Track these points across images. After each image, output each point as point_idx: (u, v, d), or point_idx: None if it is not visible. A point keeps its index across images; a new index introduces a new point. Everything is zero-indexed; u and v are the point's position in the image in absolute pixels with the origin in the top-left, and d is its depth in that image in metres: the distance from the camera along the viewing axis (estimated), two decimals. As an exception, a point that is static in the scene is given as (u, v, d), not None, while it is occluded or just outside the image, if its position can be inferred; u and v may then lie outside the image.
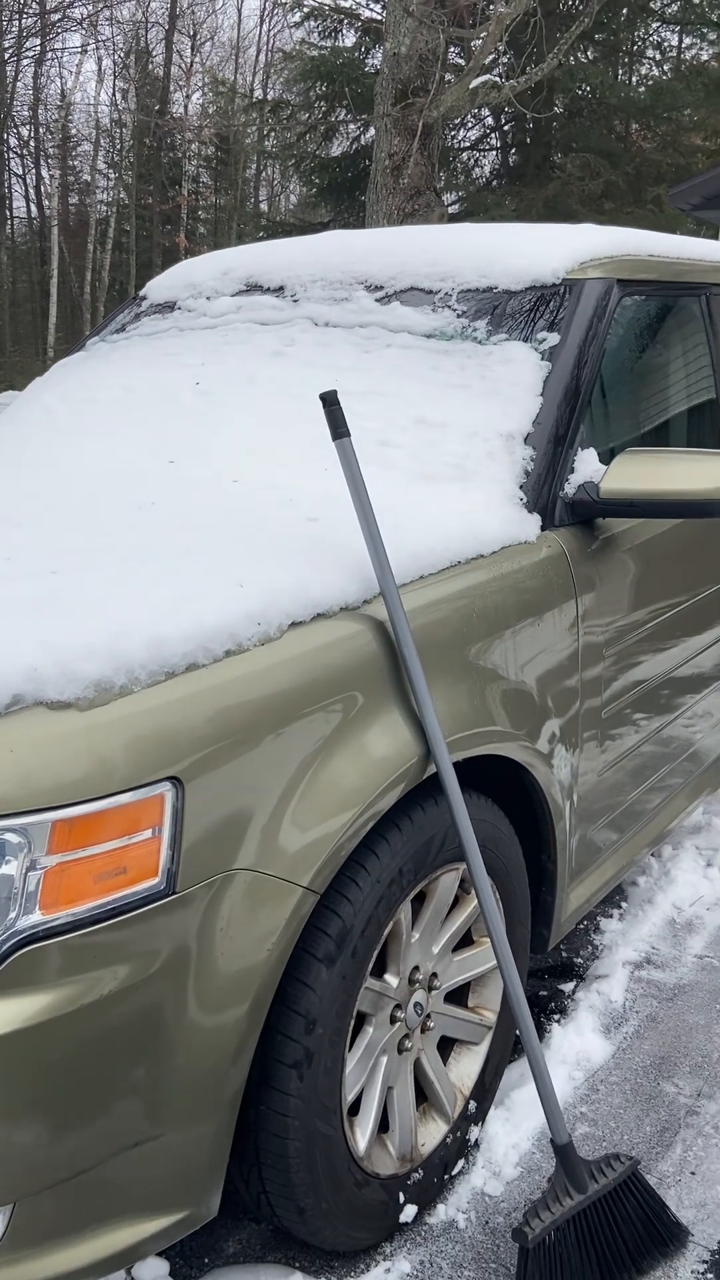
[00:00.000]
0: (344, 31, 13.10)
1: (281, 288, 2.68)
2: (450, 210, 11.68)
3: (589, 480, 2.19)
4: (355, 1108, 1.76)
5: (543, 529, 2.12)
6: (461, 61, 9.67)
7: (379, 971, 1.76)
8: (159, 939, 1.38)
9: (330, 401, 1.70)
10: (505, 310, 2.37)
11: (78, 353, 2.96)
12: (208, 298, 2.79)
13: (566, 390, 2.23)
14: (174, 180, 27.39)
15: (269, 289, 2.69)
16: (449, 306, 2.42)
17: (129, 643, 1.39)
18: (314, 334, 2.48)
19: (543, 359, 2.25)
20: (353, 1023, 1.67)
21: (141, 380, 2.56)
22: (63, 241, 24.86)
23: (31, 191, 26.55)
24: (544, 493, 2.14)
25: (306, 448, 2.14)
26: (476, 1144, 2.02)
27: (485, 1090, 2.02)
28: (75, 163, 27.45)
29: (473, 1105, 1.99)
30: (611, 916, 2.86)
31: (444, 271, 2.48)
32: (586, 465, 2.22)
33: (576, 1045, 2.33)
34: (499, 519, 2.02)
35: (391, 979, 1.78)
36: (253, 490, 2.00)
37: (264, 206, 29.91)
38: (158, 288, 3.00)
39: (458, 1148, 1.96)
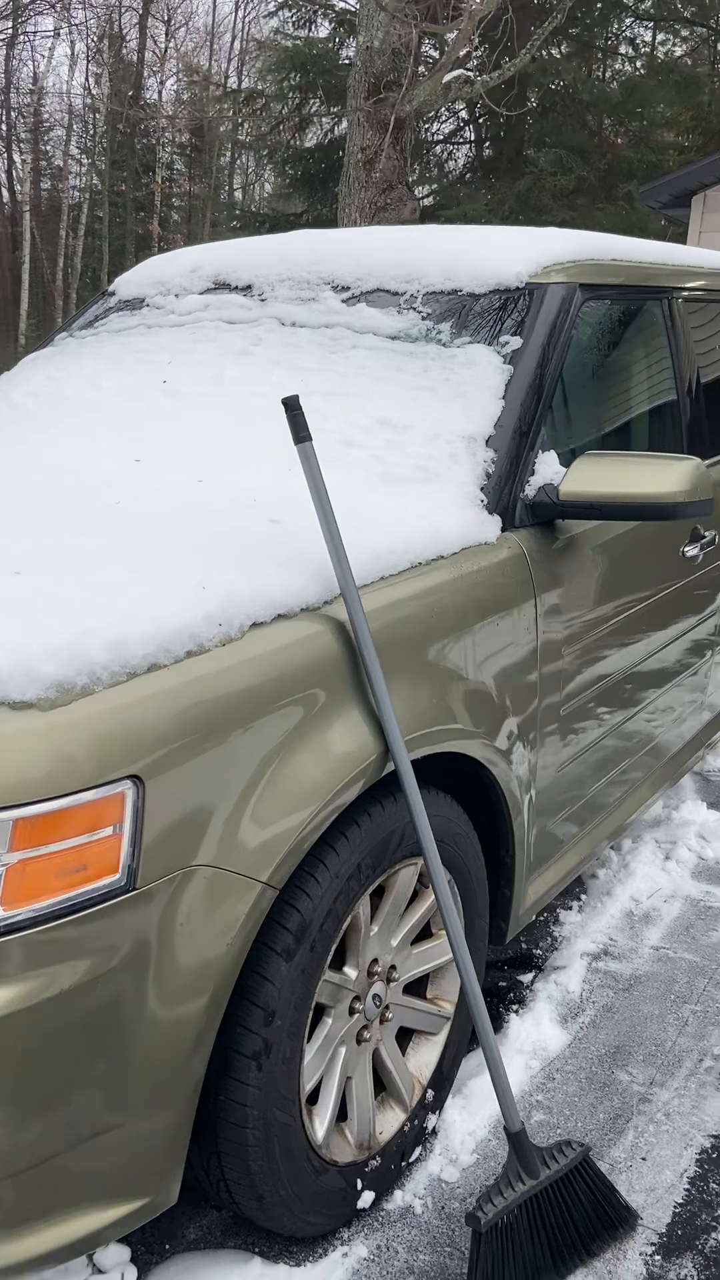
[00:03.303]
0: (318, 22, 13.07)
1: (249, 286, 2.70)
2: (423, 203, 11.69)
3: (549, 482, 2.23)
4: (315, 1097, 1.80)
5: (503, 530, 2.16)
6: (435, 55, 9.68)
7: (338, 964, 1.80)
8: (119, 934, 1.41)
9: (292, 406, 1.73)
10: (470, 313, 2.40)
11: (46, 348, 2.96)
12: (176, 295, 2.81)
13: (528, 393, 2.27)
14: (147, 167, 27.19)
15: (237, 287, 2.72)
16: (414, 308, 2.45)
17: (90, 644, 1.42)
18: (281, 334, 2.51)
19: (505, 362, 2.29)
20: (311, 1014, 1.70)
21: (109, 378, 2.57)
22: (35, 227, 24.63)
23: (3, 176, 26.28)
24: (504, 494, 2.18)
25: (272, 447, 2.17)
26: (434, 1132, 2.07)
27: (443, 1079, 2.07)
28: (47, 147, 27.19)
29: (430, 1094, 2.03)
30: (571, 909, 2.92)
31: (410, 273, 2.51)
32: (547, 467, 2.26)
33: (533, 1035, 2.38)
34: (460, 520, 2.06)
35: (350, 971, 1.81)
36: (218, 490, 2.03)
37: (238, 195, 29.75)
38: (126, 284, 3.01)
39: (415, 1136, 2.00)
